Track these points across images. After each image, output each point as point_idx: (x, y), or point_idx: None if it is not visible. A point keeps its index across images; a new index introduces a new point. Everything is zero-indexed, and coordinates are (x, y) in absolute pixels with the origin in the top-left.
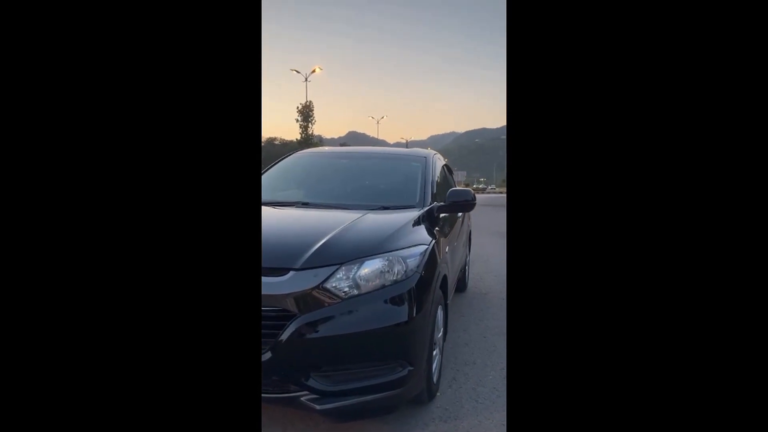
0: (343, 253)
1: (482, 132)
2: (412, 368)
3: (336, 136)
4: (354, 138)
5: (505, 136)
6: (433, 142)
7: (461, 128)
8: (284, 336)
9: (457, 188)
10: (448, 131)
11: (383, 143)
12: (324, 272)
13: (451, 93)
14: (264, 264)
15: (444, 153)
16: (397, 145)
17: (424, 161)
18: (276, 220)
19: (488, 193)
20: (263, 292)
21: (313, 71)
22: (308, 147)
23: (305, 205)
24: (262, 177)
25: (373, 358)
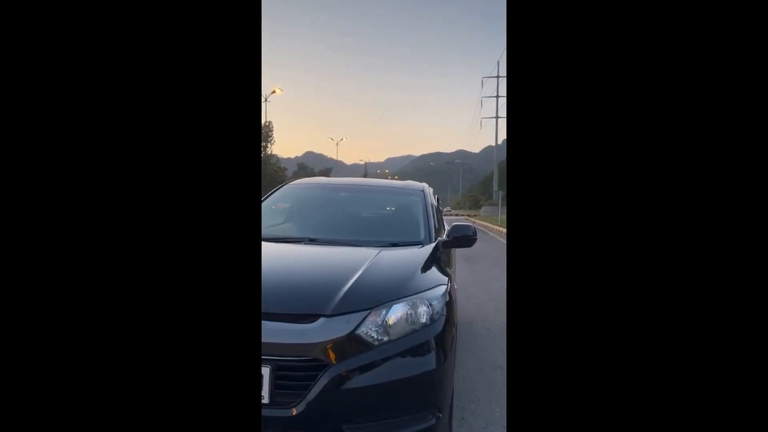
0: (370, 296)
1: (437, 156)
2: (440, 415)
3: (293, 156)
4: (311, 158)
5: (458, 160)
6: (390, 164)
7: (417, 152)
8: (317, 388)
9: (459, 223)
10: (404, 154)
11: (341, 164)
12: (355, 318)
13: (408, 117)
14: (290, 309)
15: (401, 175)
16: (355, 166)
17: (422, 194)
18: (290, 259)
19: (445, 215)
20: (290, 340)
21: (273, 92)
22: (266, 166)
23: (312, 241)
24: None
25: (404, 406)
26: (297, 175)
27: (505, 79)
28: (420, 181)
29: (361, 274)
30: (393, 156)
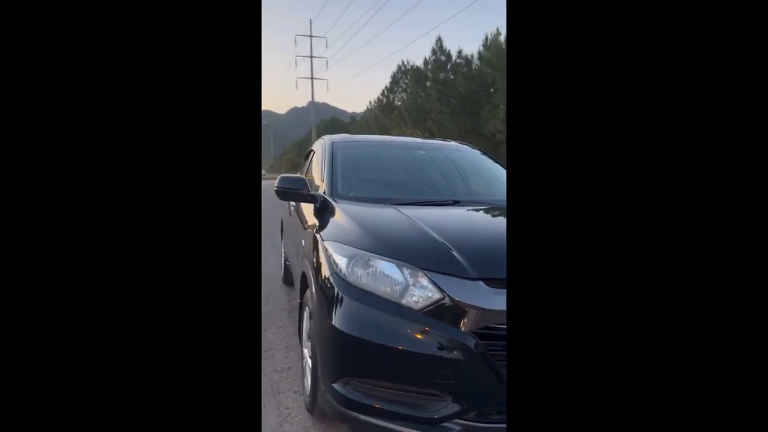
0: None
1: (267, 114)
2: None
3: None
4: None
5: (265, 121)
6: None
7: None
8: None
9: None
10: None
11: None
12: None
13: None
14: None
15: None
16: None
17: (476, 150)
18: (482, 222)
19: (265, 178)
20: None
21: None
22: None
23: (457, 203)
24: (338, 171)
25: None
26: None
27: (318, 39)
28: None
29: None
30: None
